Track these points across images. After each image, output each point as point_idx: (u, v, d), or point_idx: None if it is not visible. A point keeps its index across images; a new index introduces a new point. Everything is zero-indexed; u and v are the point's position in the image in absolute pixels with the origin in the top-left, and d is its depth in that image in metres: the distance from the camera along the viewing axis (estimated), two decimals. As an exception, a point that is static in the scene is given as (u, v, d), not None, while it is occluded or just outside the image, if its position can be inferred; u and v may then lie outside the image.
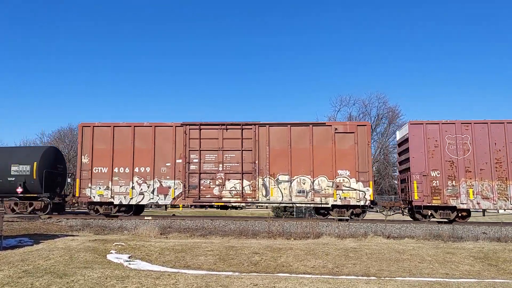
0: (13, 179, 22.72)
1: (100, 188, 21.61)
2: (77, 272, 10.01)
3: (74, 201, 22.86)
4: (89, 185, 21.65)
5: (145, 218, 21.56)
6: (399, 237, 17.73)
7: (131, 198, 21.51)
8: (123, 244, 14.51)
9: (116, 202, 21.60)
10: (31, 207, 22.74)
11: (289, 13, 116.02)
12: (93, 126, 22.05)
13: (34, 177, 22.57)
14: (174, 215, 26.67)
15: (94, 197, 21.62)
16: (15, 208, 22.84)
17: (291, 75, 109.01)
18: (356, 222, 19.96)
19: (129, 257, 12.66)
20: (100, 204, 21.92)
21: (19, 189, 22.50)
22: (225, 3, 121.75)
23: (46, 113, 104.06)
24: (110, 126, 21.98)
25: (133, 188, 21.52)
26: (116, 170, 21.66)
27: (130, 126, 21.93)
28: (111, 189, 21.55)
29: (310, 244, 14.97)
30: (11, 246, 13.77)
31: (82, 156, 21.90)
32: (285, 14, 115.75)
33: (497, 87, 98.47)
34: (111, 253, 13.13)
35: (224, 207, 22.43)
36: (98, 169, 21.75)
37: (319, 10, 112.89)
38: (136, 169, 21.61)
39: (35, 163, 22.70)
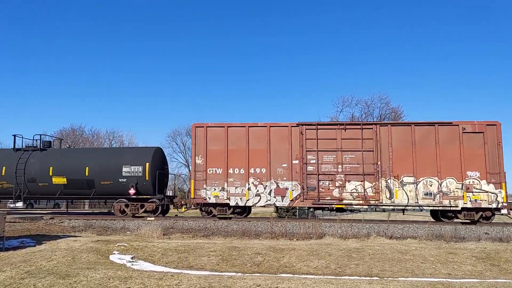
0: (125, 180, 22.40)
1: (215, 189, 21.22)
2: (80, 273, 10.03)
3: (182, 202, 22.57)
4: (204, 186, 21.28)
5: (148, 218, 21.56)
6: (402, 238, 17.72)
7: (247, 200, 21.04)
8: (125, 244, 14.52)
9: (232, 203, 21.13)
10: (143, 209, 22.45)
11: (289, 13, 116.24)
12: (206, 127, 21.70)
13: (147, 178, 22.32)
14: (177, 215, 26.66)
15: (209, 198, 21.23)
16: (125, 209, 22.56)
17: (291, 75, 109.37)
18: (359, 223, 19.93)
19: (132, 258, 12.68)
20: (215, 205, 21.49)
21: (132, 191, 22.19)
22: (225, 3, 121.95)
23: (46, 114, 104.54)
24: (223, 127, 21.66)
25: (249, 189, 21.04)
26: (231, 171, 21.26)
27: (244, 127, 21.50)
28: (227, 190, 21.15)
29: (313, 245, 14.97)
30: (13, 247, 13.79)
31: (196, 157, 21.56)
32: (285, 14, 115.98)
33: (497, 87, 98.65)
34: (114, 253, 13.15)
35: (341, 210, 21.55)
36: (212, 170, 21.37)
37: (319, 10, 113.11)
38: (252, 170, 21.14)
39: (147, 163, 22.44)
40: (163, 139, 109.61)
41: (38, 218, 21.42)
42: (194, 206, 22.18)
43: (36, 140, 24.81)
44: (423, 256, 13.03)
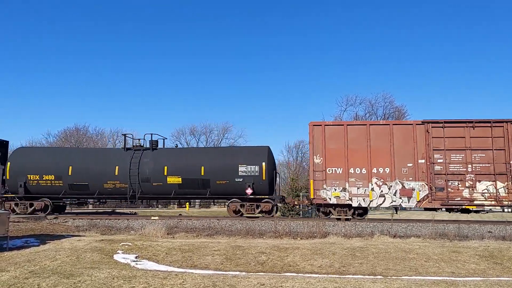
0: (241, 180, 22.12)
1: (335, 189, 20.59)
2: (84, 273, 10.05)
3: (295, 202, 22.25)
4: (324, 186, 20.68)
5: (152, 218, 21.59)
6: (405, 236, 17.69)
7: (371, 201, 20.43)
8: (130, 244, 14.54)
9: (354, 204, 20.52)
10: (258, 209, 22.10)
11: (289, 13, 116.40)
12: (324, 125, 21.23)
13: (264, 178, 22.03)
14: (180, 215, 26.69)
15: (329, 199, 20.62)
16: (241, 209, 22.24)
17: (291, 75, 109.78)
18: (363, 222, 19.93)
19: (136, 257, 12.70)
20: (334, 206, 20.87)
21: (249, 190, 21.82)
22: (225, 3, 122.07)
23: (46, 113, 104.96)
24: (342, 125, 21.21)
25: (372, 189, 20.39)
26: (351, 170, 20.61)
27: (365, 125, 21.08)
28: (349, 191, 20.53)
29: (317, 244, 14.96)
30: (17, 246, 13.83)
31: (314, 156, 20.98)
32: (285, 14, 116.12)
33: (498, 87, 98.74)
34: (118, 253, 13.17)
35: (466, 211, 20.55)
36: (332, 169, 20.75)
37: (319, 10, 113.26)
38: (374, 170, 20.51)
39: (263, 163, 22.12)
40: (167, 138, 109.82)
41: (42, 218, 21.47)
42: (307, 206, 21.88)
43: (139, 139, 24.75)
44: (427, 255, 13.02)
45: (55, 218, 21.68)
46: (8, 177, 23.64)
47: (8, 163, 23.89)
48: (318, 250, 13.62)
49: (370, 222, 19.78)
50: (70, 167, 23.37)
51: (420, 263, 12.21)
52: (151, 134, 24.23)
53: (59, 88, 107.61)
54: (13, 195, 23.71)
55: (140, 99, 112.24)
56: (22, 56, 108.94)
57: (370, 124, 20.99)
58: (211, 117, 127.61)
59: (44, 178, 23.38)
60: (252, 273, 10.88)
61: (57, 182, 23.39)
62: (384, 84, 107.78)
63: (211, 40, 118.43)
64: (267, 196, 22.23)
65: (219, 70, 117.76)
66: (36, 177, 23.34)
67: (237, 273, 10.91)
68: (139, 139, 24.92)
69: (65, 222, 21.02)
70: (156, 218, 21.59)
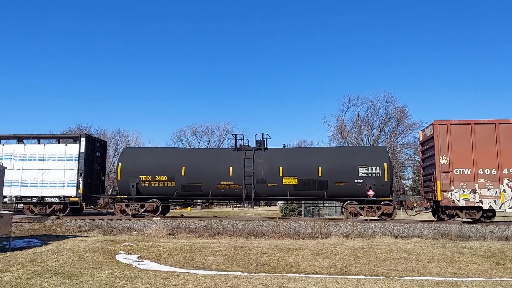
0: (361, 181, 21.53)
1: (464, 191, 20.01)
2: (86, 273, 10.05)
3: (414, 204, 21.90)
4: (451, 187, 20.14)
5: (154, 218, 21.59)
6: (407, 237, 17.69)
7: (502, 203, 19.73)
8: (132, 244, 14.55)
9: (485, 206, 19.86)
10: (379, 211, 21.44)
11: (291, 15, 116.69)
12: (450, 124, 20.68)
13: (386, 179, 21.42)
14: (182, 215, 26.68)
15: (458, 201, 20.07)
16: (360, 211, 21.62)
17: (291, 75, 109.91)
18: (365, 222, 19.89)
19: (138, 258, 12.69)
20: (461, 208, 20.36)
21: (371, 192, 21.29)
22: (226, 4, 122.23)
23: (47, 114, 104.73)
24: (469, 124, 20.46)
25: (504, 191, 19.73)
26: (480, 171, 20.00)
27: (493, 124, 20.25)
28: (478, 192, 19.91)
29: (319, 244, 14.96)
30: (19, 247, 13.83)
31: (440, 157, 20.50)
32: (285, 17, 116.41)
33: (498, 86, 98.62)
34: (120, 253, 13.17)
35: None
36: (459, 170, 20.21)
37: (319, 10, 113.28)
38: (505, 171, 19.84)
39: (385, 164, 21.61)
40: (168, 139, 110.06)
41: (45, 218, 21.50)
42: (425, 208, 21.39)
43: (242, 139, 24.28)
44: (429, 255, 13.01)
45: (57, 218, 21.71)
46: (119, 178, 23.27)
47: (119, 164, 23.54)
48: (320, 250, 13.62)
49: (372, 222, 19.77)
50: (183, 168, 22.87)
51: (422, 263, 12.20)
52: (262, 134, 23.68)
53: (59, 88, 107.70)
54: (123, 196, 23.43)
55: (141, 99, 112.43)
56: (22, 56, 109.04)
57: (499, 123, 20.30)
58: (213, 118, 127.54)
59: (156, 179, 22.95)
60: (254, 274, 10.88)
61: (170, 183, 22.92)
62: (384, 84, 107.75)
63: (212, 43, 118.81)
64: (387, 198, 21.58)
65: (220, 70, 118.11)
66: (148, 178, 22.95)
67: (239, 273, 10.90)
68: (242, 139, 24.28)
69: (67, 222, 21.05)
70: (158, 218, 21.58)
